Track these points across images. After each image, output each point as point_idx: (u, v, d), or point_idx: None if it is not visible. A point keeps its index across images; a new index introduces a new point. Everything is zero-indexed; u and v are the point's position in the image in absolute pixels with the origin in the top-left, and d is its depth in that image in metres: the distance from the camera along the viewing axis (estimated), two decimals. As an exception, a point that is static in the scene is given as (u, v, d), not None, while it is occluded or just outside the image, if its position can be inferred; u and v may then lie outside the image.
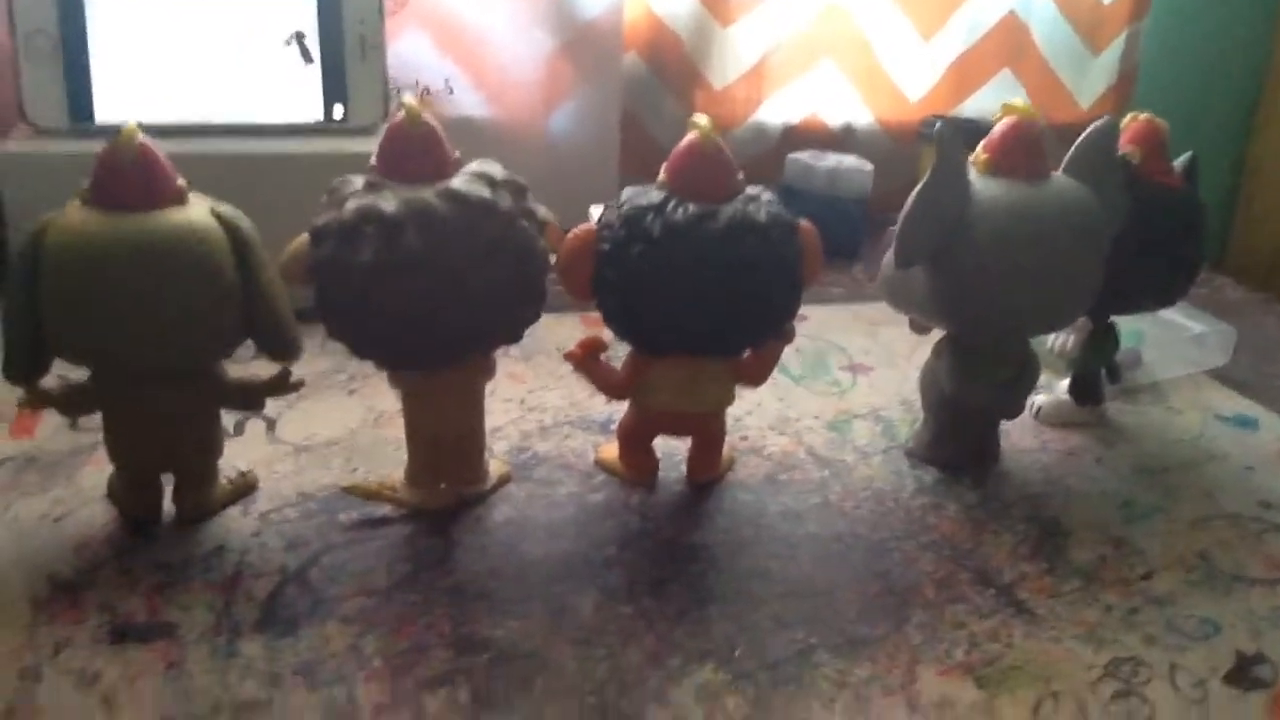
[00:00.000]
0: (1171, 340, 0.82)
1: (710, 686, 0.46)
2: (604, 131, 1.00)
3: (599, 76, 0.99)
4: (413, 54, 0.95)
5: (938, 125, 0.57)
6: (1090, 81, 1.24)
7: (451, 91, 0.97)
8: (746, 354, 0.57)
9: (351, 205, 0.48)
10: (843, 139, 1.17)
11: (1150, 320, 0.79)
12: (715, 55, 1.09)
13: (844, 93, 1.17)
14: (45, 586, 0.49)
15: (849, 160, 1.03)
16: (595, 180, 0.99)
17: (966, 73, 1.19)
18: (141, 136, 0.48)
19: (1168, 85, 1.30)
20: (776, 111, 1.14)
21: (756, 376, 0.59)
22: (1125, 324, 0.72)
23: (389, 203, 0.47)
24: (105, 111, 0.74)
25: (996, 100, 1.19)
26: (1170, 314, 0.82)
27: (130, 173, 0.47)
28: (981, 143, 0.60)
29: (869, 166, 1.03)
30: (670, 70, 1.08)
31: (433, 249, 0.47)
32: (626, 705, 0.44)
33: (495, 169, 0.51)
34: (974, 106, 1.20)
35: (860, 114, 1.18)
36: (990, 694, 0.47)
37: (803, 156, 1.03)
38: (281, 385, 0.54)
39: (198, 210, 0.49)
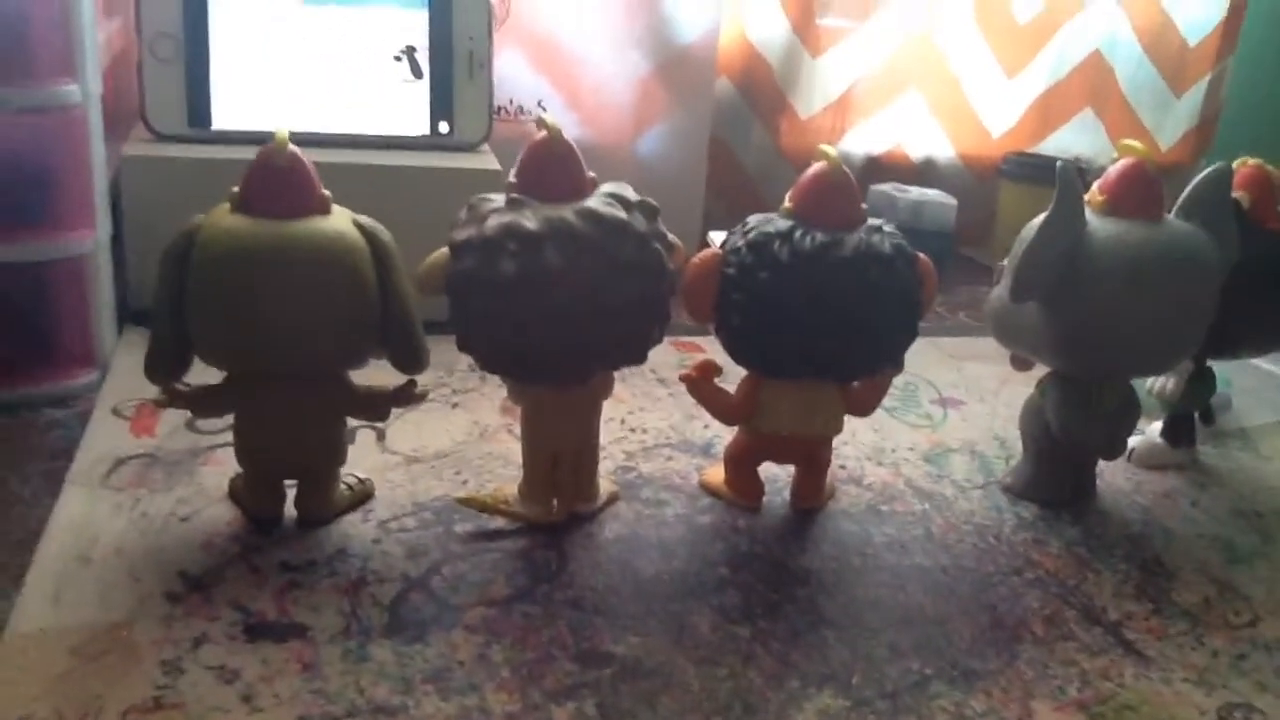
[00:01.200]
0: (1261, 386, 0.82)
1: (830, 711, 0.46)
2: (692, 155, 1.02)
3: (691, 101, 1.00)
4: (509, 72, 0.97)
5: (1059, 164, 0.58)
6: (1172, 123, 1.24)
7: (545, 111, 0.98)
8: (858, 383, 0.58)
9: (494, 221, 0.49)
10: (923, 172, 1.18)
11: (1239, 366, 0.79)
12: (803, 84, 1.10)
13: (927, 125, 1.17)
14: (178, 582, 0.50)
15: (933, 193, 1.04)
16: (682, 203, 1.00)
17: (1049, 110, 1.20)
18: (292, 145, 0.49)
19: (1250, 129, 1.30)
20: (860, 142, 1.15)
21: (867, 404, 0.59)
22: (1215, 368, 0.72)
23: (530, 220, 0.49)
24: (222, 119, 0.76)
25: (1077, 139, 1.21)
26: (1259, 360, 0.82)
27: (282, 180, 0.49)
28: (1097, 183, 0.60)
29: (953, 200, 1.03)
30: (759, 97, 1.09)
31: (571, 266, 0.48)
32: (750, 726, 0.45)
33: (629, 191, 0.52)
34: (1054, 144, 1.21)
35: (942, 147, 1.19)
36: (1107, 732, 0.47)
37: (886, 188, 1.04)
38: (408, 395, 0.55)
39: (342, 220, 0.50)
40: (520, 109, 0.98)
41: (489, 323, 0.50)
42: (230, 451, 0.54)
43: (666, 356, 0.80)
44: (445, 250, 0.50)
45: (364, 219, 0.51)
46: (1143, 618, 0.55)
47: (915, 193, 1.04)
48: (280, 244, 0.48)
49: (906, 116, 1.16)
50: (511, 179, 0.51)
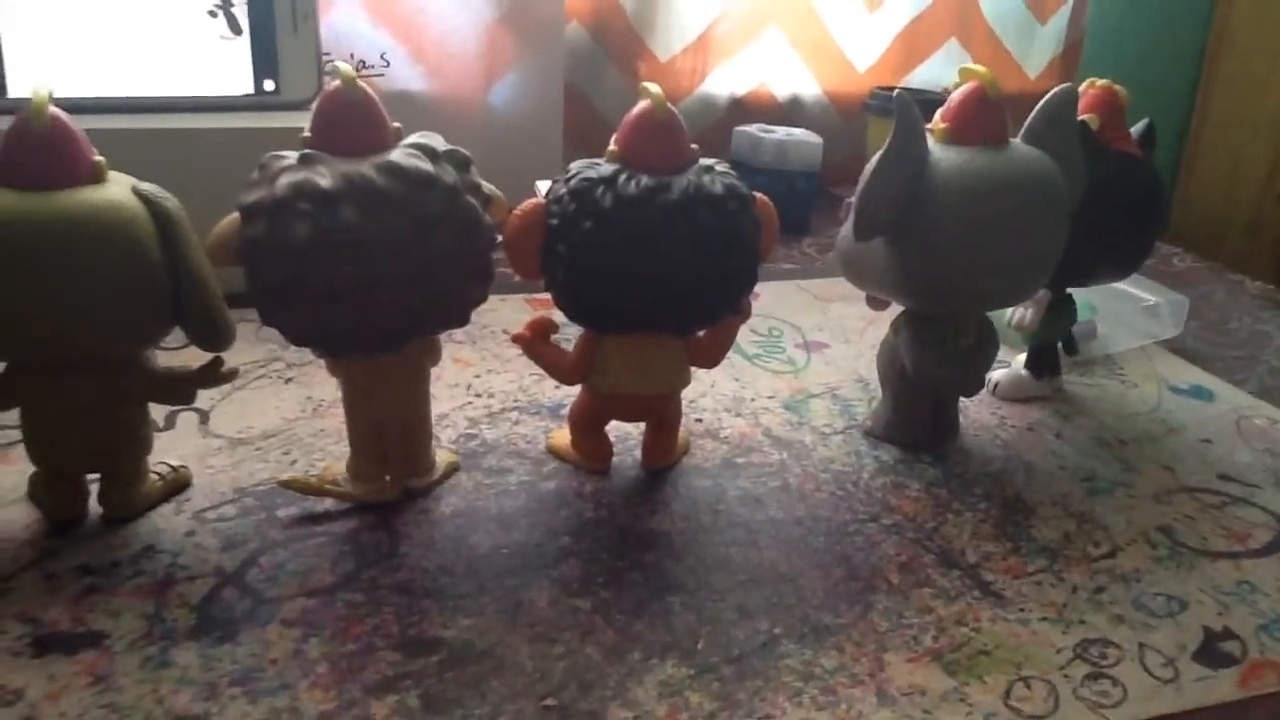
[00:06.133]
0: (1125, 312, 0.82)
1: (673, 682, 0.44)
2: (547, 104, 0.98)
3: (541, 48, 0.96)
4: (347, 26, 0.92)
5: (896, 93, 0.55)
6: (1037, 51, 1.24)
7: (388, 65, 0.94)
8: (702, 333, 0.55)
9: (284, 181, 0.45)
10: (790, 111, 1.15)
11: (1103, 292, 0.79)
12: (660, 25, 1.06)
13: (791, 63, 1.15)
14: (-40, 596, 0.45)
15: (798, 133, 1.01)
16: (539, 154, 0.96)
17: (914, 43, 1.18)
18: (54, 109, 0.44)
19: (1113, 53, 1.30)
20: (723, 83, 1.12)
21: (713, 356, 0.57)
22: (1078, 296, 0.71)
23: (325, 177, 0.45)
24: (18, 86, 0.70)
25: (944, 71, 1.19)
26: (1122, 285, 0.82)
27: (42, 148, 0.44)
28: (939, 110, 0.58)
29: (818, 139, 1.01)
30: (614, 41, 1.05)
31: (372, 225, 0.45)
32: (586, 705, 0.42)
33: (437, 141, 0.48)
34: (921, 77, 1.19)
35: (807, 85, 1.16)
36: (961, 681, 0.45)
37: (750, 129, 1.01)
38: (213, 375, 0.50)
39: (118, 188, 0.45)
40: (362, 64, 0.93)
41: (286, 292, 0.46)
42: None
43: (519, 315, 0.76)
44: (236, 216, 0.46)
45: (146, 186, 0.46)
46: (1001, 557, 0.54)
47: (781, 132, 1.01)
48: (46, 218, 0.43)
49: (769, 55, 1.13)
50: (305, 134, 0.47)
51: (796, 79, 1.16)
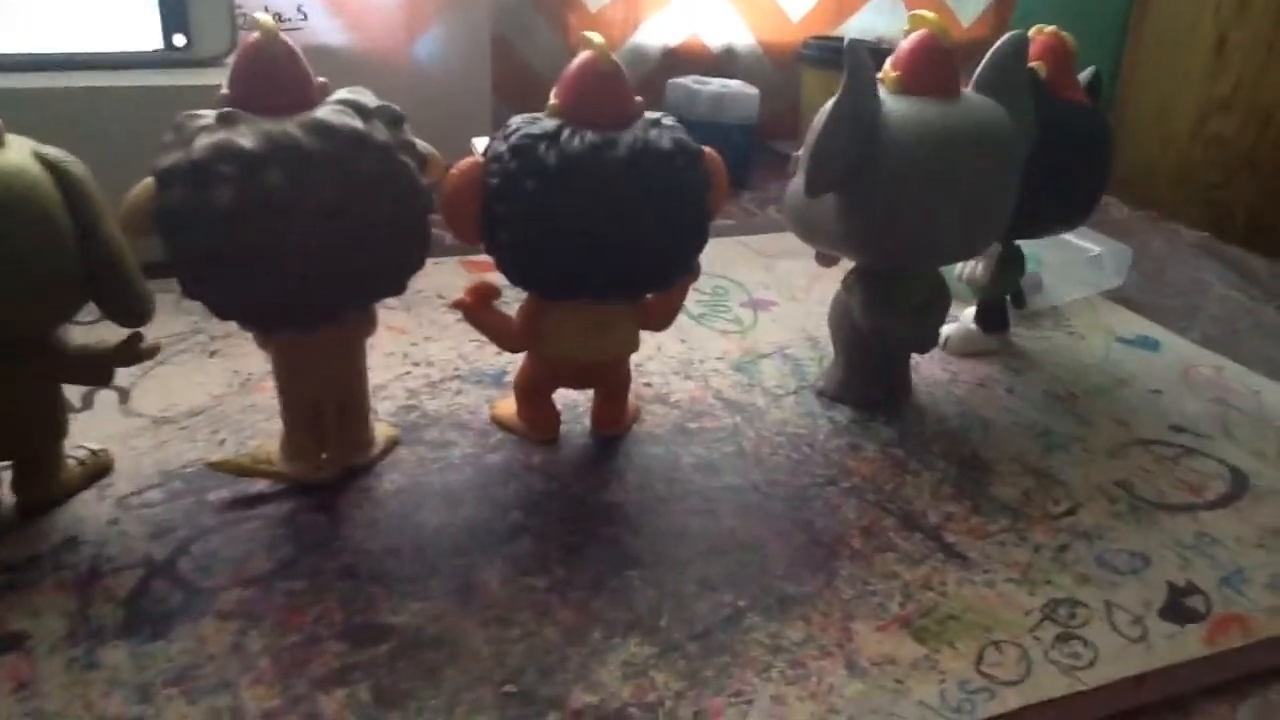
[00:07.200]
0: (1069, 262, 0.81)
1: (636, 661, 0.42)
2: (474, 58, 0.94)
3: (465, -1, 0.92)
4: (261, -23, 0.87)
5: (847, 41, 0.53)
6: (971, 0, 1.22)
7: (305, 18, 0.89)
8: (650, 295, 0.53)
9: (203, 142, 0.41)
10: (723, 62, 1.13)
11: (1047, 243, 0.78)
12: (589, -26, 1.03)
13: (724, 13, 1.12)
14: None
15: (734, 85, 0.99)
16: (467, 110, 0.93)
17: (847, -9, 1.16)
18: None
19: (1046, 1, 1.29)
20: (655, 34, 1.09)
21: (662, 318, 0.54)
22: (1023, 248, 0.70)
23: (246, 137, 0.41)
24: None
25: (876, 20, 1.18)
26: (1065, 235, 0.81)
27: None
28: (889, 59, 0.56)
29: (754, 91, 0.99)
30: (542, -9, 1.02)
31: (299, 188, 0.41)
32: (548, 690, 0.40)
33: (367, 97, 0.45)
34: (855, 26, 1.17)
35: (740, 35, 1.14)
36: (931, 649, 0.44)
37: (685, 81, 0.99)
38: (131, 352, 0.47)
39: (17, 153, 0.42)
40: (279, 16, 0.88)
41: (209, 263, 0.42)
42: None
43: (454, 279, 0.73)
44: (150, 181, 0.42)
45: (49, 150, 0.42)
46: (962, 518, 0.53)
47: (716, 84, 0.98)
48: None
49: (702, 4, 1.10)
50: (224, 90, 0.44)
51: (730, 29, 1.13)
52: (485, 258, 0.50)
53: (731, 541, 0.49)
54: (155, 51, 0.71)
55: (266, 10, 0.87)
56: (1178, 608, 0.48)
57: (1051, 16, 0.65)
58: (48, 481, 0.48)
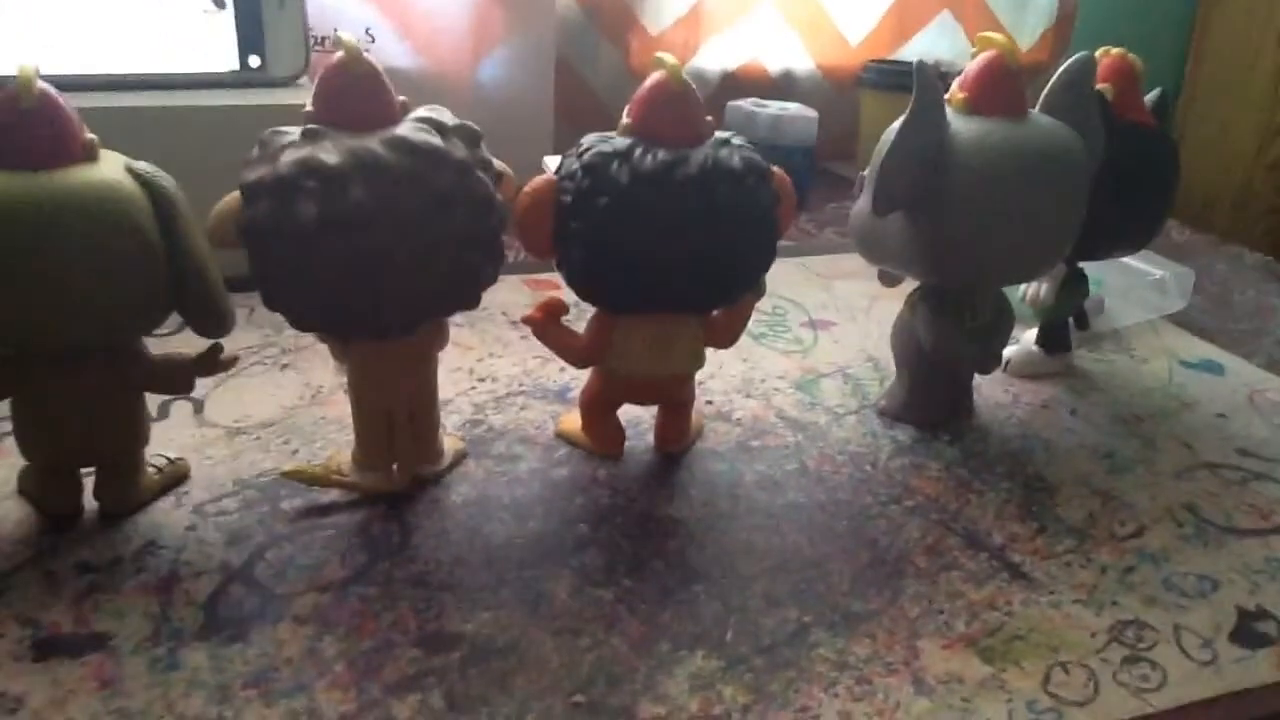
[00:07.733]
0: (1131, 286, 0.80)
1: (703, 674, 0.42)
2: (537, 79, 0.95)
3: (531, 21, 0.93)
4: (329, 1, 0.89)
5: (915, 62, 0.54)
6: (1030, 22, 1.22)
7: (373, 40, 0.91)
8: (717, 312, 0.54)
9: (288, 158, 0.42)
10: (782, 85, 1.13)
11: (1108, 266, 0.77)
12: (651, -2, 1.04)
13: (783, 37, 1.13)
14: (-48, 598, 0.43)
15: (793, 107, 0.99)
16: (530, 131, 0.94)
17: (906, 15, 1.17)
18: (42, 83, 0.42)
19: (1105, 26, 1.29)
20: (715, 58, 1.10)
21: (728, 336, 0.55)
22: (1086, 270, 0.69)
23: (330, 153, 0.42)
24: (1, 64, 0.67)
25: (937, 44, 1.18)
26: (1128, 259, 0.80)
27: (30, 125, 0.41)
28: (956, 80, 0.56)
29: (813, 113, 0.99)
30: (605, 14, 1.03)
31: (381, 203, 0.42)
32: (616, 700, 0.40)
33: (446, 115, 0.46)
34: (914, 50, 1.18)
35: (800, 59, 1.14)
36: (998, 668, 0.44)
37: (744, 104, 1.00)
38: (212, 362, 0.48)
39: (111, 168, 0.43)
40: (366, 30, 0.90)
41: (292, 274, 0.43)
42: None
43: (518, 296, 0.74)
44: (236, 195, 0.44)
45: (141, 165, 0.44)
46: (1027, 538, 0.52)
47: (775, 107, 0.99)
48: (40, 199, 0.41)
49: (762, 28, 1.11)
50: (308, 108, 0.45)
51: (789, 53, 1.14)
52: (548, 275, 0.51)
53: (796, 558, 0.49)
54: (232, 72, 0.73)
55: (335, 32, 0.89)
56: (1248, 632, 0.48)
57: (1111, 40, 0.65)
58: (129, 487, 0.49)
